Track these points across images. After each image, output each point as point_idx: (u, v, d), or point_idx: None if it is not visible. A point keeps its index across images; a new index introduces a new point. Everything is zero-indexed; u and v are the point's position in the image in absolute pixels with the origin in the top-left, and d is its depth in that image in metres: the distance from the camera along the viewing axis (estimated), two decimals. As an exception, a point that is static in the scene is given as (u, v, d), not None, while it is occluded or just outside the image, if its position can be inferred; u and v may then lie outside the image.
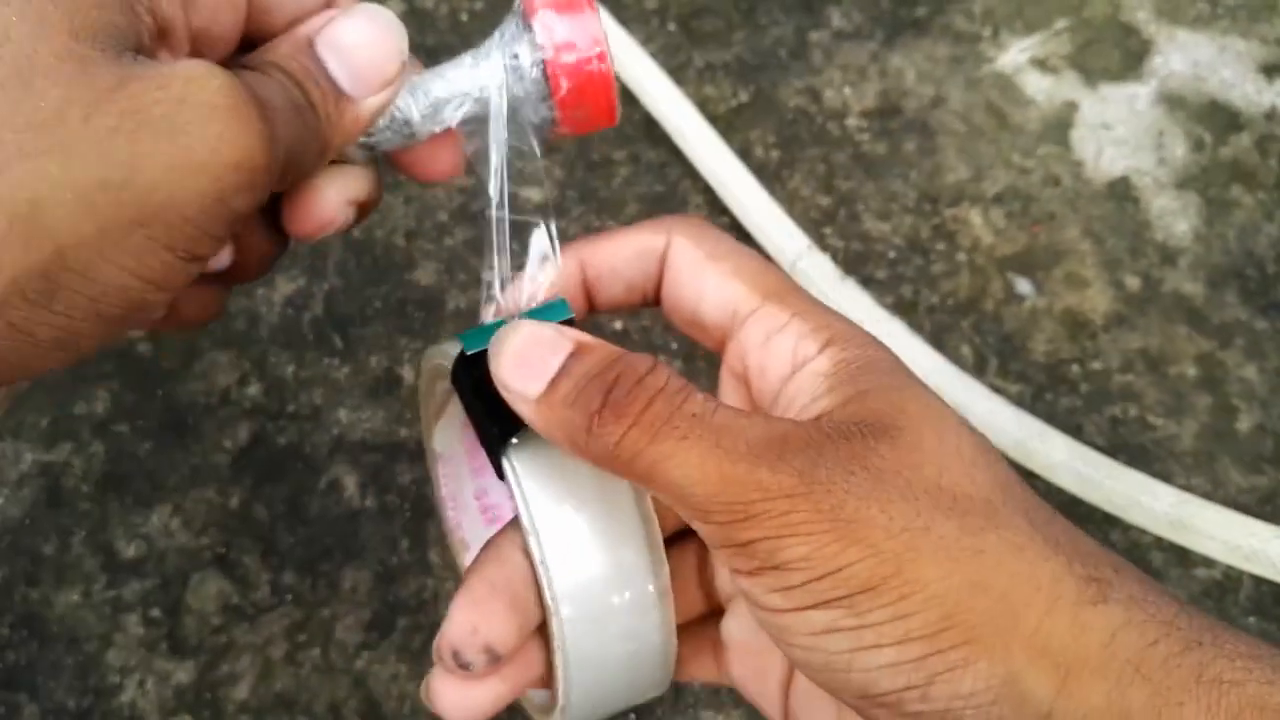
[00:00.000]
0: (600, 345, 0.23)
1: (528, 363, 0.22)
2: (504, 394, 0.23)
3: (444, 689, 0.25)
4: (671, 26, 0.67)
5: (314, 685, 0.48)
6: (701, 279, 0.26)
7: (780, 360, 0.25)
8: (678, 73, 0.64)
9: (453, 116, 0.26)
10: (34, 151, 0.20)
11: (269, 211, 0.27)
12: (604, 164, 0.62)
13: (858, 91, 0.64)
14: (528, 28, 0.25)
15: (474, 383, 0.25)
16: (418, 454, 0.53)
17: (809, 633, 0.20)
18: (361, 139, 0.26)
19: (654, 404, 0.21)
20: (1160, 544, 0.50)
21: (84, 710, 0.47)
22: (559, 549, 0.24)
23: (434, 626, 0.49)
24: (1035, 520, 0.21)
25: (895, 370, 0.24)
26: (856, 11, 0.67)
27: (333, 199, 0.26)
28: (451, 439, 0.34)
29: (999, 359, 0.55)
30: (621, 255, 0.28)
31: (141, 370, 0.54)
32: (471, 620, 0.24)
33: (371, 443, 0.53)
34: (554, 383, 0.22)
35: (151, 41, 0.23)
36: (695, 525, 0.22)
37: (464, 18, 0.68)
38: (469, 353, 0.25)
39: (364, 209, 0.27)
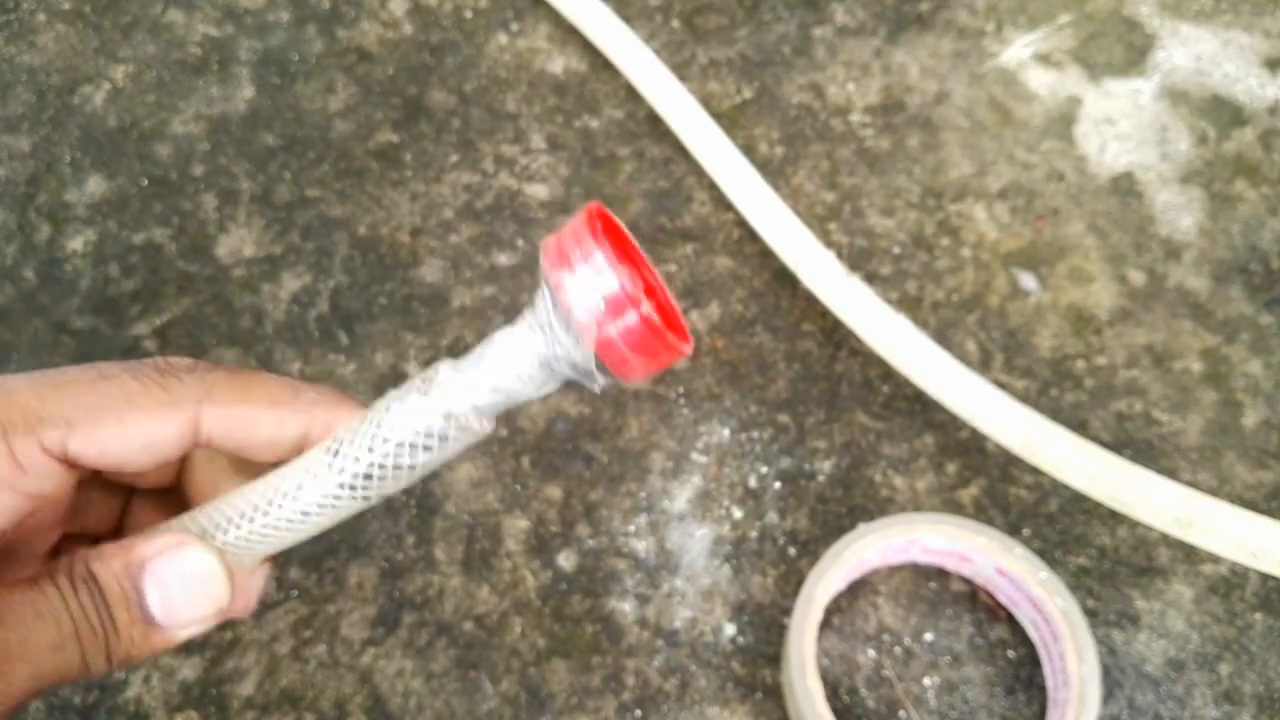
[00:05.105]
0: None
1: None
2: None
3: None
4: (675, 23, 0.67)
5: (320, 681, 0.48)
6: None
7: None
8: (682, 69, 0.64)
9: (489, 422, 0.26)
10: None
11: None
12: (609, 160, 0.62)
13: (861, 87, 0.64)
14: (555, 303, 0.24)
15: None
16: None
17: None
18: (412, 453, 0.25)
19: None
20: (1167, 540, 0.50)
21: (89, 706, 0.47)
22: None
23: (439, 622, 0.49)
24: None
25: None
26: (860, 7, 0.67)
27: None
28: None
29: (1004, 354, 0.55)
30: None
31: (147, 367, 0.54)
32: None
33: (376, 439, 0.53)
34: None
35: None
36: None
37: (468, 14, 0.68)
38: None
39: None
